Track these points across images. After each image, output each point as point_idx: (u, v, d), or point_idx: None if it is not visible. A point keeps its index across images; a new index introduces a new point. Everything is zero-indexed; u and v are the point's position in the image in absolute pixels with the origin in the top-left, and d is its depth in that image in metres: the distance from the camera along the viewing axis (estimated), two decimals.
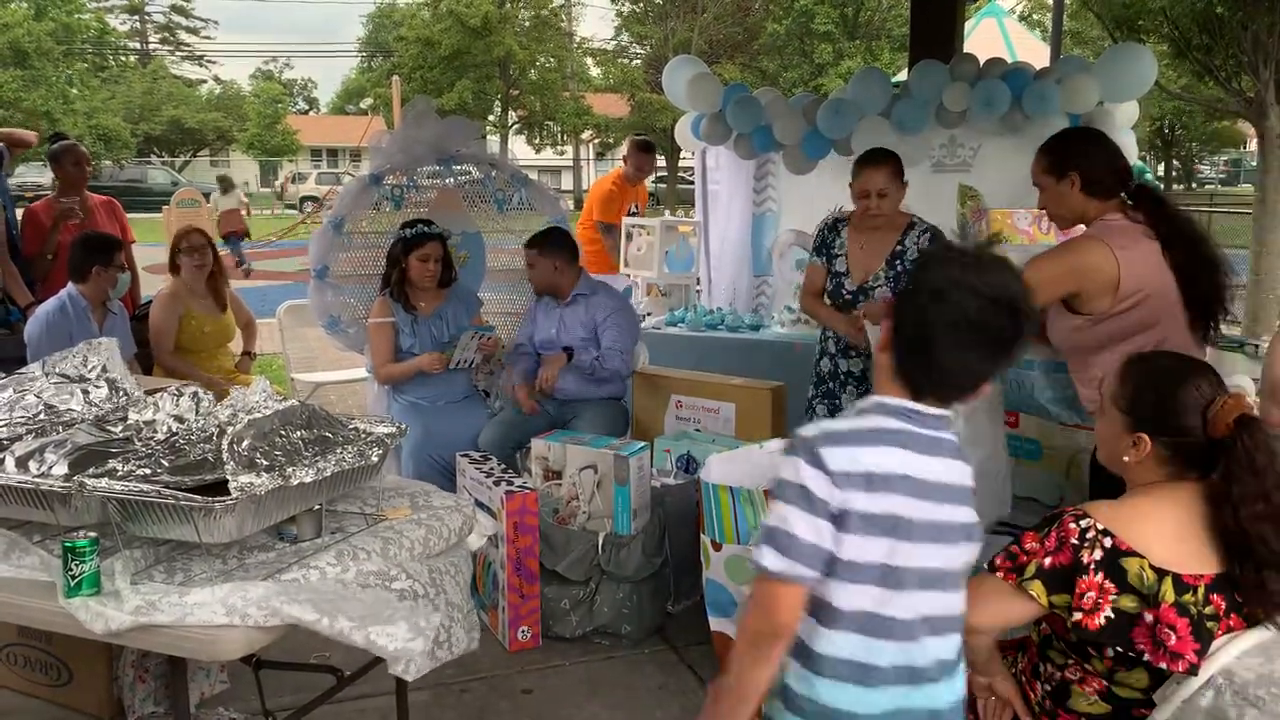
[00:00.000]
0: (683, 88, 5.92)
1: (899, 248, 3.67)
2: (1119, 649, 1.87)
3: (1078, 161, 2.77)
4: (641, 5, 35.87)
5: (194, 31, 49.20)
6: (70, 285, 4.34)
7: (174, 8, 48.51)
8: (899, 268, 3.65)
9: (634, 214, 6.56)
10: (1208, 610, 1.84)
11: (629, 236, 6.08)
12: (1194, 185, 31.06)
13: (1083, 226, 2.83)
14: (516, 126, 37.95)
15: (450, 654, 2.17)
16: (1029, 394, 3.52)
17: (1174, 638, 1.82)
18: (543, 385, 4.20)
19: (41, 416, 2.48)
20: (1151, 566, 1.84)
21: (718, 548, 2.92)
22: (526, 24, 35.90)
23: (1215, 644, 1.83)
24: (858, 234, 3.76)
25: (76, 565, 1.99)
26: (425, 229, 4.33)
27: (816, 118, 5.55)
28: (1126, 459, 1.97)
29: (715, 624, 3.04)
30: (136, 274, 5.31)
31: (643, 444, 3.58)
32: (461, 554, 2.47)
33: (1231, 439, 1.86)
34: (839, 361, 3.87)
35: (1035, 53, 13.23)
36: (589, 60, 40.86)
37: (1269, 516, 1.82)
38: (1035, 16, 29.78)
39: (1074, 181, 2.77)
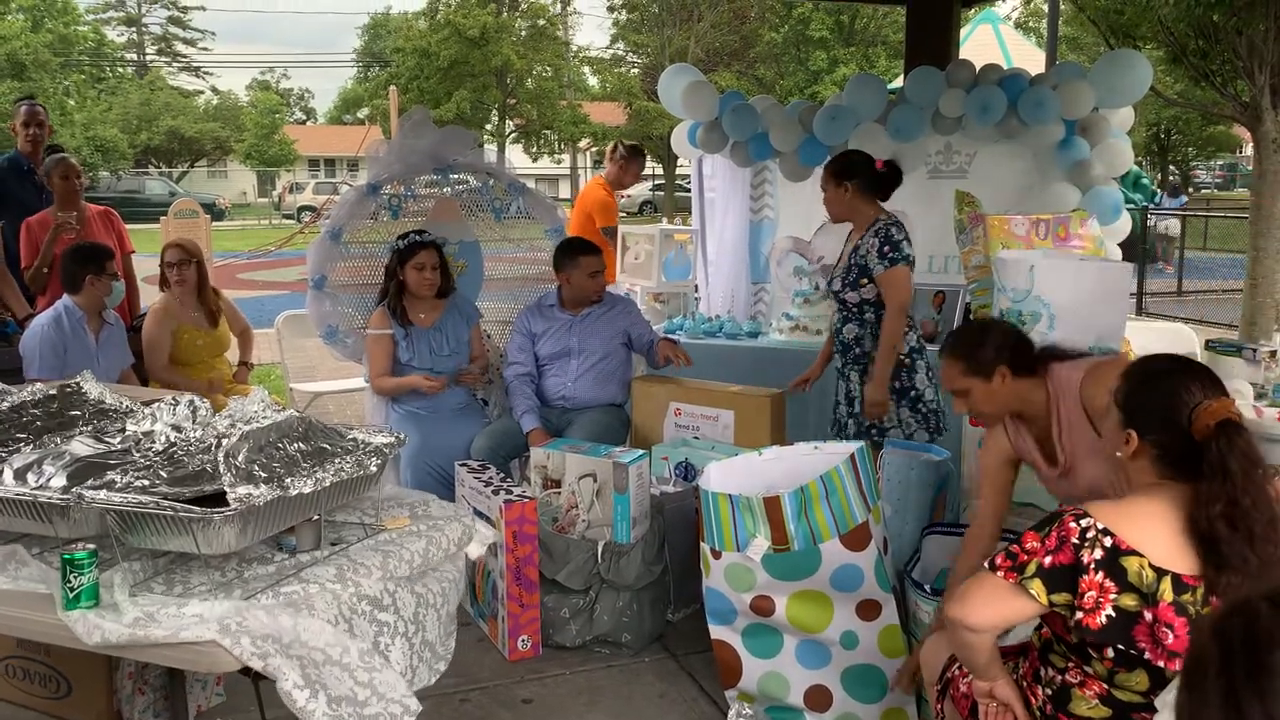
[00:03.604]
0: (679, 96, 5.93)
1: (859, 242, 3.87)
2: (1120, 648, 1.87)
3: (1000, 353, 2.69)
4: (638, 14, 35.98)
5: (191, 43, 49.45)
6: (65, 297, 4.34)
7: (171, 19, 48.71)
8: (851, 261, 3.88)
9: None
10: (1206, 611, 1.84)
11: (625, 245, 6.09)
12: (1190, 190, 31.12)
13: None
14: (514, 135, 38.02)
15: (409, 688, 2.19)
16: None
17: (1171, 636, 1.83)
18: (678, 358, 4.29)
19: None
20: (1151, 565, 1.85)
21: (717, 555, 2.91)
22: (523, 34, 35.99)
23: None
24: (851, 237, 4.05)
25: (75, 577, 1.98)
26: (418, 238, 4.34)
27: (813, 125, 5.56)
28: (1119, 454, 2.00)
29: (715, 632, 3.03)
30: (135, 284, 5.31)
31: (642, 452, 3.58)
32: (453, 576, 2.47)
33: (1210, 441, 1.87)
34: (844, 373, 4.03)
35: (1031, 59, 13.31)
36: (586, 69, 41.01)
37: (1229, 518, 1.83)
38: (1031, 23, 29.90)
39: (1004, 375, 2.68)
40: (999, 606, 1.93)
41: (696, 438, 4.11)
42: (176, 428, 2.34)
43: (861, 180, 3.85)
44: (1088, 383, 2.62)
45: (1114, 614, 1.86)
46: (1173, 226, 15.20)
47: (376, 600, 2.18)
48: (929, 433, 3.84)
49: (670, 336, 4.40)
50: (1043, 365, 2.72)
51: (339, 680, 2.00)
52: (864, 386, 3.85)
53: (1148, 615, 1.85)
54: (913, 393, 3.84)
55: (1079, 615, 1.88)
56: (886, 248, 3.74)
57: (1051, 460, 2.72)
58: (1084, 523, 1.89)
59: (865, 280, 3.81)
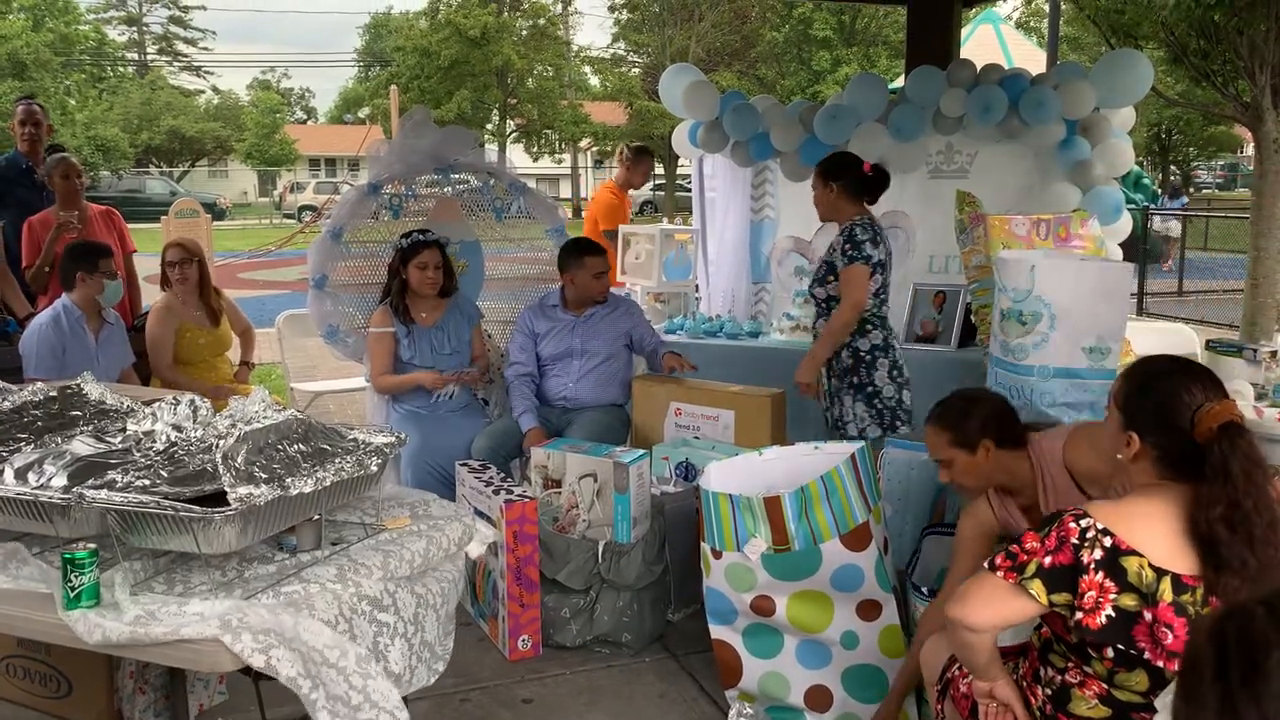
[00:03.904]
0: (680, 96, 5.93)
1: (833, 240, 4.01)
2: (1120, 648, 1.87)
3: (986, 427, 2.71)
4: (639, 14, 35.97)
5: (192, 42, 49.50)
6: (64, 296, 4.34)
7: (172, 19, 48.75)
8: (824, 258, 4.03)
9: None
10: (1206, 611, 1.84)
11: (626, 245, 6.09)
12: (1191, 190, 31.12)
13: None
14: (514, 135, 38.01)
15: (407, 690, 2.19)
16: (1028, 398, 3.52)
17: (1171, 637, 1.83)
18: (683, 367, 4.26)
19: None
20: (1151, 566, 1.85)
21: (718, 555, 2.92)
22: (524, 33, 35.98)
23: None
24: None
25: (76, 577, 1.98)
26: (421, 237, 4.35)
27: (814, 124, 5.56)
28: (1120, 456, 2.00)
29: (716, 632, 3.04)
30: (137, 284, 5.32)
31: (642, 452, 3.58)
32: (453, 576, 2.47)
33: (1213, 444, 1.87)
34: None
35: (1032, 59, 13.32)
36: (587, 69, 40.99)
37: (1229, 521, 1.83)
38: (1032, 23, 29.89)
39: (988, 449, 2.72)
40: (999, 607, 1.93)
41: (697, 437, 4.10)
42: (177, 427, 2.35)
43: (848, 181, 3.95)
44: (1070, 448, 2.65)
45: (1114, 614, 1.86)
46: (1174, 228, 15.21)
47: (377, 601, 2.18)
48: (882, 429, 3.92)
49: (673, 349, 4.37)
50: (1024, 437, 2.75)
51: (335, 682, 2.01)
52: (831, 378, 4.02)
53: (1147, 615, 1.85)
54: (869, 389, 3.93)
55: (1079, 615, 1.88)
56: (848, 246, 3.86)
57: None
58: (1084, 523, 1.89)
59: (831, 278, 3.94)
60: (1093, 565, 1.86)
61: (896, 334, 4.14)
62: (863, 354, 3.94)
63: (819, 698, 2.97)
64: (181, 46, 49.42)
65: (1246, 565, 1.81)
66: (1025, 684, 2.10)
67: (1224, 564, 1.82)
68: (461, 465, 3.83)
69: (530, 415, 4.26)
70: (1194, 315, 11.05)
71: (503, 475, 3.74)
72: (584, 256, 4.37)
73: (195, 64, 49.40)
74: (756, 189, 6.35)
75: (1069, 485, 2.64)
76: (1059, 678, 2.03)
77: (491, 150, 6.79)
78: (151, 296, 5.08)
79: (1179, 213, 15.95)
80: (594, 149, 39.89)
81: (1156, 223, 15.09)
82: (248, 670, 1.94)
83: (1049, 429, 2.79)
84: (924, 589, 2.98)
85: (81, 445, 2.29)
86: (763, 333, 5.47)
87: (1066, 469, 2.64)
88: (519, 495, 3.45)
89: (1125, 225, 5.54)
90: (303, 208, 30.26)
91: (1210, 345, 4.08)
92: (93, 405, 2.69)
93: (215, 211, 26.64)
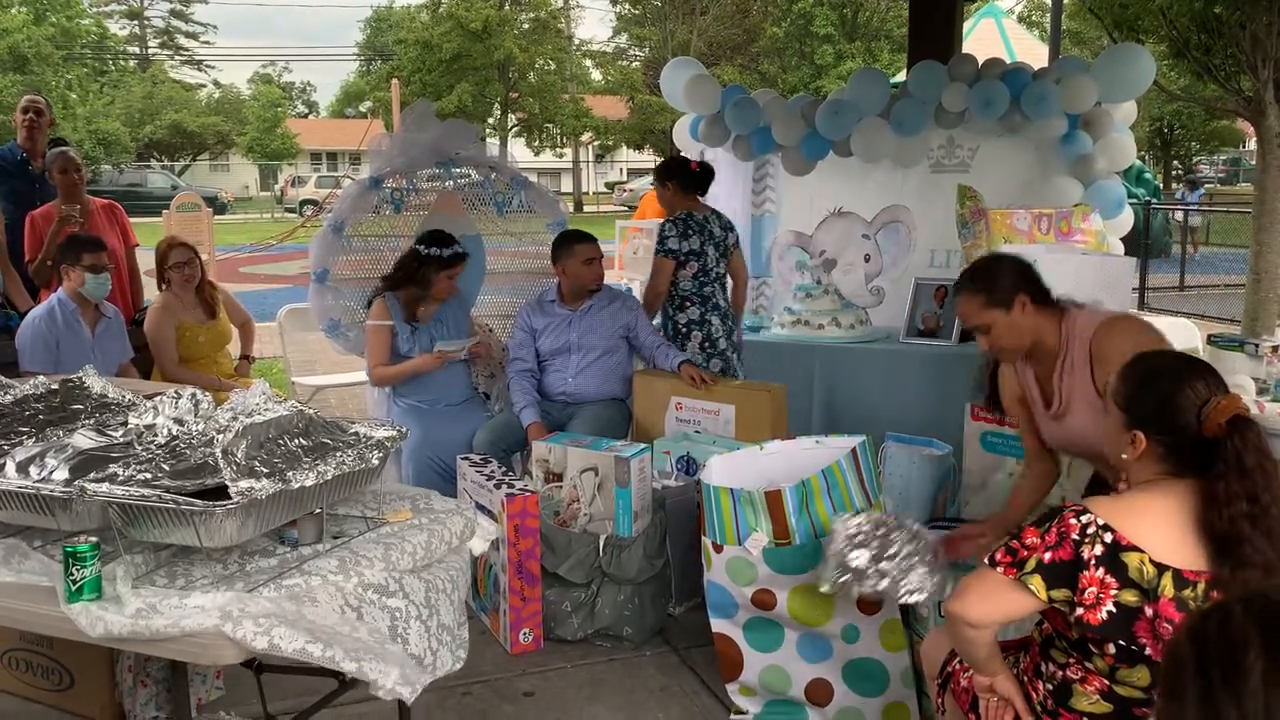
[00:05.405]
0: (681, 89, 5.93)
1: None
2: (1121, 644, 1.87)
3: (1018, 283, 2.69)
4: (640, 7, 35.93)
5: (193, 36, 49.54)
6: (59, 289, 4.33)
7: (173, 12, 48.76)
8: None
9: None
10: (1207, 607, 1.84)
11: (625, 240, 6.09)
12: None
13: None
14: (516, 129, 37.99)
15: (433, 675, 2.18)
16: None
17: (1172, 632, 1.82)
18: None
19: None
20: (1152, 561, 1.85)
21: (719, 549, 2.92)
22: (526, 26, 35.94)
23: None
24: None
25: (78, 570, 1.98)
26: (458, 250, 4.33)
27: (815, 119, 5.56)
28: (1125, 456, 1.99)
29: (716, 626, 3.04)
30: (139, 278, 5.31)
31: (644, 446, 3.58)
32: (459, 565, 2.47)
33: (1224, 439, 1.86)
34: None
35: (1034, 53, 13.29)
36: (588, 62, 40.94)
37: (1251, 516, 1.82)
38: (1034, 17, 29.84)
39: (1024, 304, 2.67)
40: (997, 601, 1.93)
41: (698, 432, 4.11)
42: (179, 421, 2.34)
43: (680, 180, 4.60)
44: (1100, 332, 2.62)
45: (1114, 610, 1.85)
46: (1194, 220, 15.39)
47: (383, 588, 2.17)
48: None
49: (689, 359, 4.33)
50: (1058, 303, 2.74)
51: (348, 641, 1.99)
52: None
53: (1148, 611, 1.84)
54: (685, 350, 4.55)
55: (1079, 611, 1.87)
56: (656, 240, 4.55)
57: (1049, 402, 2.75)
58: (1084, 519, 1.89)
59: None
60: (1093, 561, 1.86)
61: (729, 310, 4.75)
62: (680, 326, 4.66)
63: (820, 691, 2.98)
64: (183, 40, 49.48)
65: (1266, 560, 1.80)
66: (1026, 679, 2.10)
67: (1244, 560, 1.80)
68: (463, 459, 3.83)
69: (531, 409, 4.26)
70: (1195, 310, 11.03)
71: (504, 469, 3.75)
72: (573, 245, 4.37)
73: (196, 58, 49.49)
74: (757, 183, 6.35)
75: (1084, 367, 2.63)
76: (1060, 673, 2.03)
77: (493, 144, 6.81)
78: (151, 292, 5.08)
79: (1183, 206, 16.00)
80: (595, 143, 39.83)
81: (1178, 215, 15.28)
82: (249, 663, 1.94)
83: (1089, 305, 2.75)
84: None
85: (83, 439, 2.29)
86: (764, 327, 5.46)
87: (1090, 351, 2.62)
88: (520, 489, 3.45)
89: (1127, 220, 5.53)
90: (304, 202, 30.25)
91: (1212, 340, 4.07)
92: (94, 399, 2.69)
93: (216, 205, 26.65)
